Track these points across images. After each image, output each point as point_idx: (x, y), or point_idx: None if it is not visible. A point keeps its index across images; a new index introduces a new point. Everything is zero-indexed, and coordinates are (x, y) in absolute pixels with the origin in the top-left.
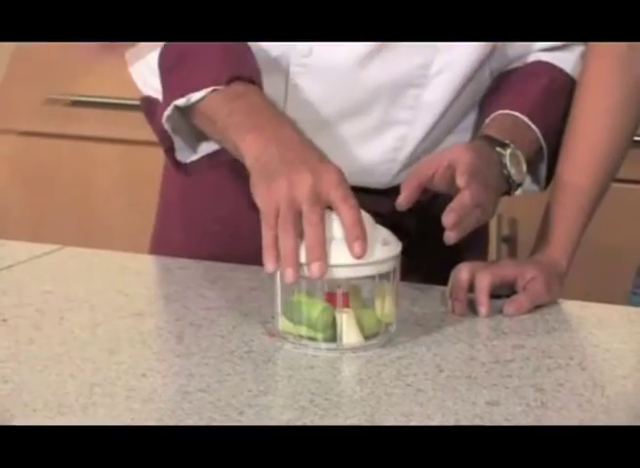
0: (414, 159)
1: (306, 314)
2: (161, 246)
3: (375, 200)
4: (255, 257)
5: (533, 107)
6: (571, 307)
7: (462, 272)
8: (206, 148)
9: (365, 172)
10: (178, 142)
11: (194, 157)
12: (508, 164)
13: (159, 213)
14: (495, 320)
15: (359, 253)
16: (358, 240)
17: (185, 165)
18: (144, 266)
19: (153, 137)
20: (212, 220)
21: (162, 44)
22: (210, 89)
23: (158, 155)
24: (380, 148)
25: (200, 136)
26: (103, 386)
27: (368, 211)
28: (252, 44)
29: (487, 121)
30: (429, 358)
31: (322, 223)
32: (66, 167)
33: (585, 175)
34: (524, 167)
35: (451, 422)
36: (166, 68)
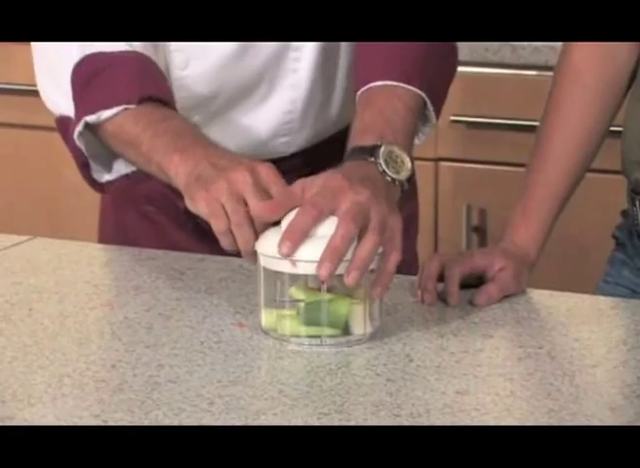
0: (310, 116)
1: (332, 312)
2: (108, 230)
3: None
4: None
5: (407, 72)
6: (540, 297)
7: (432, 262)
8: (123, 169)
9: (269, 138)
10: (92, 162)
11: (109, 177)
12: (385, 168)
13: (103, 198)
14: (464, 310)
15: (284, 252)
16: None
17: (101, 183)
18: (114, 257)
19: None
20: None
21: (70, 62)
22: (121, 107)
23: None
24: (273, 116)
25: (116, 156)
26: (73, 377)
27: None
28: None
29: (357, 114)
30: (399, 348)
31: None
32: (36, 158)
33: (558, 169)
34: (406, 159)
35: (420, 412)
36: (78, 85)
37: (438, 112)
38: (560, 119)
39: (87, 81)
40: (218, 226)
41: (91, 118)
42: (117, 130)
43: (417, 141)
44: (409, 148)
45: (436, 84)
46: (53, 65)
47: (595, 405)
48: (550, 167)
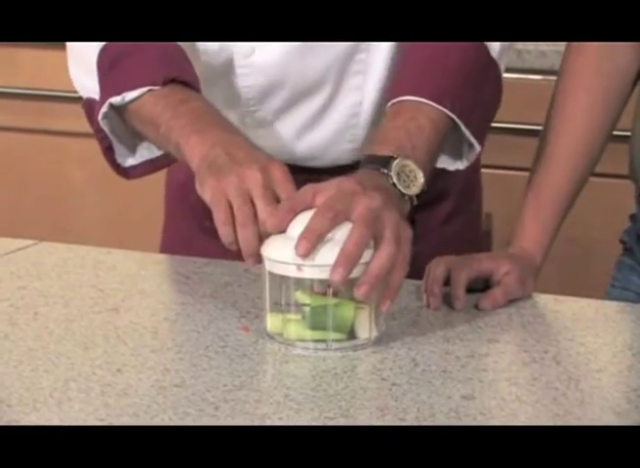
0: (376, 121)
1: (338, 316)
2: (170, 242)
3: None
4: None
5: (440, 92)
6: (545, 301)
7: (438, 266)
8: (147, 154)
9: (333, 144)
10: (116, 145)
11: (133, 161)
12: (396, 181)
13: (166, 208)
14: (470, 314)
15: (301, 253)
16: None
17: (125, 167)
18: (119, 261)
19: None
20: (205, 216)
21: (97, 45)
22: (145, 89)
23: None
24: (338, 118)
25: (140, 140)
26: (78, 381)
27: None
28: (196, 50)
29: (381, 124)
30: (404, 352)
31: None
32: (41, 162)
33: (562, 172)
34: (419, 175)
35: (426, 416)
36: (103, 68)
37: (479, 138)
38: (563, 121)
39: (112, 63)
40: (218, 215)
41: (115, 99)
42: (140, 110)
43: (460, 166)
44: (426, 165)
45: (474, 109)
46: (80, 47)
47: (600, 409)
48: (554, 170)
